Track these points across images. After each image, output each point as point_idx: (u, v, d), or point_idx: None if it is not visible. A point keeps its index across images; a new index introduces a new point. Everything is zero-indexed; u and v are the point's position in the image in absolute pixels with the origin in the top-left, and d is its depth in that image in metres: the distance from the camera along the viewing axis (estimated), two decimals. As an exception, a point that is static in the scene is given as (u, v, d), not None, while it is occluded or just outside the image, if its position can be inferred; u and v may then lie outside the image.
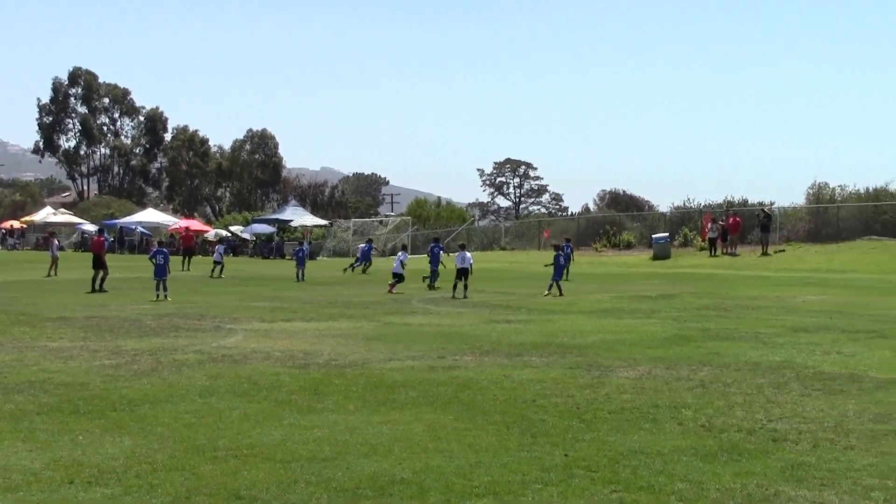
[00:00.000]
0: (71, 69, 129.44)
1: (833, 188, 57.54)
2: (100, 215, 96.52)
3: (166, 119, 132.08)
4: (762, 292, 31.61)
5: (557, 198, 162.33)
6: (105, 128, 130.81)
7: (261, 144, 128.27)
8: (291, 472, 8.85)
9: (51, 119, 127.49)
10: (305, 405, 12.06)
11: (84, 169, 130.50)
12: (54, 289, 34.22)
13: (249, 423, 10.96)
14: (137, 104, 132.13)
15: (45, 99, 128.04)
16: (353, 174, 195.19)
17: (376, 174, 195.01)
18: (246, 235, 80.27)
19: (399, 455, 9.48)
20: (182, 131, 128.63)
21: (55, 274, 42.27)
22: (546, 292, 31.21)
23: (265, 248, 75.60)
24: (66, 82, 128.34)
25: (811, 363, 15.67)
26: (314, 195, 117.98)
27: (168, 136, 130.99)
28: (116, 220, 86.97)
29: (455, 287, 31.02)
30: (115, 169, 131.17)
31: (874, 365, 15.47)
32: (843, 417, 11.27)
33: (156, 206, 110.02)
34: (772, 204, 58.45)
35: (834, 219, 54.26)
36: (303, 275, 41.17)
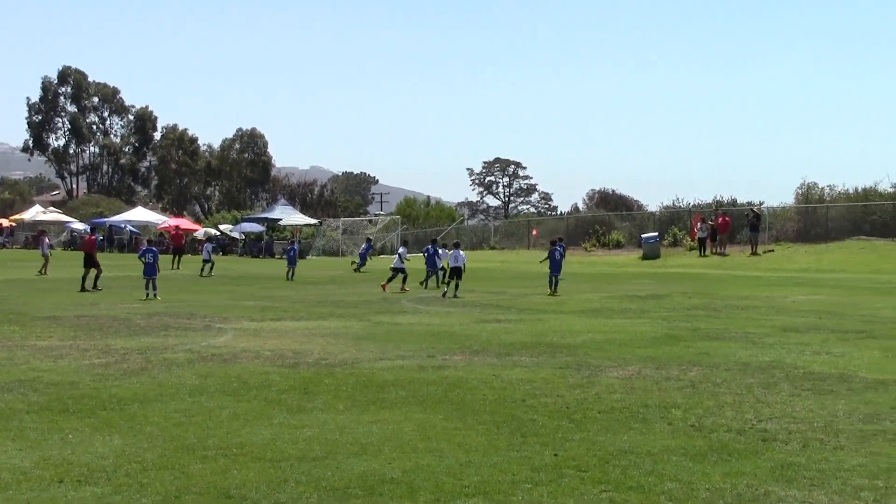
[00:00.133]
0: (60, 68, 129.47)
1: (822, 188, 57.67)
2: (89, 214, 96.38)
3: (156, 118, 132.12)
4: (752, 292, 31.67)
5: (547, 197, 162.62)
6: (94, 126, 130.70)
7: (250, 143, 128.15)
8: (281, 472, 8.84)
9: (40, 117, 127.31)
10: (295, 404, 12.04)
11: (73, 167, 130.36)
12: (44, 288, 34.14)
13: (239, 423, 10.94)
14: (127, 103, 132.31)
15: (35, 98, 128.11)
16: (343, 173, 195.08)
17: (366, 173, 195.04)
18: (235, 234, 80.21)
19: (389, 454, 9.47)
20: (171, 130, 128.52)
21: (46, 273, 42.24)
22: (549, 291, 31.29)
23: (254, 247, 75.57)
24: (56, 81, 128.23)
25: (801, 363, 15.69)
26: (303, 194, 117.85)
27: (157, 135, 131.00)
28: (106, 219, 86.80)
29: (447, 285, 31.19)
30: (105, 167, 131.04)
31: (864, 365, 15.51)
32: (832, 417, 11.29)
33: (145, 205, 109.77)
34: (761, 204, 58.53)
35: (823, 219, 54.38)
36: (293, 274, 41.15)
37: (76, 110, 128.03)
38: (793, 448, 9.81)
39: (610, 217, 69.33)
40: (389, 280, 33.99)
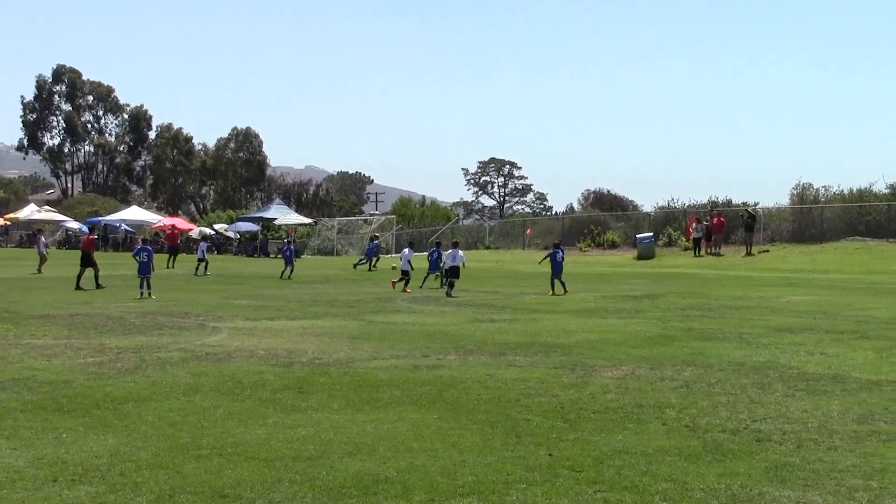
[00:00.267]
0: (55, 67, 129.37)
1: (817, 189, 57.85)
2: (84, 213, 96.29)
3: (150, 117, 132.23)
4: (746, 292, 31.70)
5: (542, 197, 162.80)
6: (89, 125, 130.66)
7: (245, 143, 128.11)
8: (276, 471, 8.83)
9: (35, 116, 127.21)
10: (289, 404, 12.04)
11: (68, 166, 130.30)
12: (39, 286, 34.11)
13: (233, 422, 10.93)
14: (122, 102, 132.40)
15: (29, 96, 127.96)
16: (338, 173, 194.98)
17: (361, 173, 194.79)
18: (230, 234, 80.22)
19: (383, 454, 9.47)
20: (166, 129, 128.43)
21: (40, 271, 42.23)
22: (552, 292, 31.36)
23: (249, 246, 75.60)
24: (50, 80, 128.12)
25: (795, 363, 15.70)
26: (299, 194, 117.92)
27: (152, 134, 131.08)
28: (100, 218, 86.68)
29: (451, 286, 31.33)
30: (100, 166, 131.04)
31: (858, 366, 15.52)
32: (826, 418, 11.30)
33: (140, 204, 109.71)
34: (756, 204, 58.68)
35: (818, 219, 54.49)
36: (290, 273, 41.30)
37: (71, 109, 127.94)
38: (787, 448, 9.81)
39: (605, 217, 69.39)
40: (405, 285, 33.96)
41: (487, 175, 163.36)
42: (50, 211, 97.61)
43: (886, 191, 54.75)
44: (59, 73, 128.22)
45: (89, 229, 41.07)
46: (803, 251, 50.53)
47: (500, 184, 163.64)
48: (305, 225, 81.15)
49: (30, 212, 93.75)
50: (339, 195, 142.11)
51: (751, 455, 9.53)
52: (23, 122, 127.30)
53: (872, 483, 8.55)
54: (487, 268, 50.50)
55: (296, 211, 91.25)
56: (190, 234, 78.66)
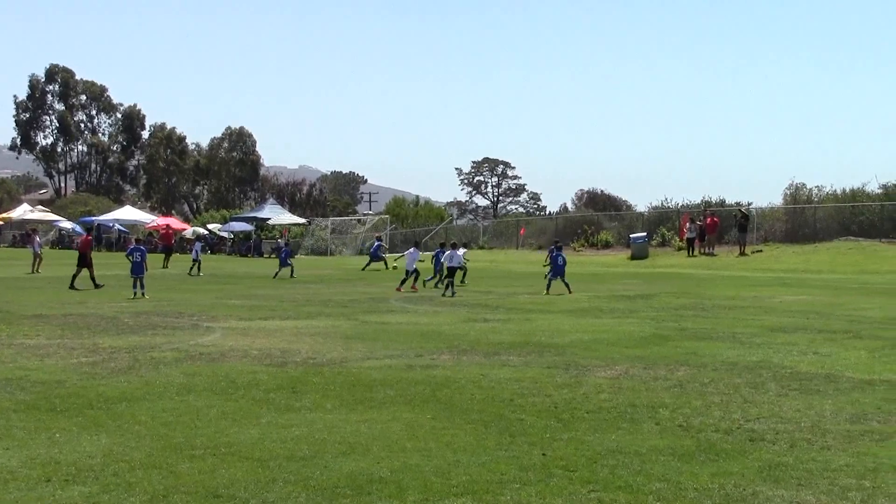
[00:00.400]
0: (48, 66, 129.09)
1: (810, 189, 57.83)
2: (77, 213, 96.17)
3: (144, 116, 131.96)
4: (739, 292, 31.73)
5: (535, 197, 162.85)
6: (82, 125, 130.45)
7: (239, 142, 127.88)
8: (269, 471, 8.83)
9: (28, 116, 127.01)
10: (283, 403, 12.03)
11: (61, 166, 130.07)
12: (32, 286, 34.06)
13: (227, 422, 10.92)
14: (115, 101, 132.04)
15: (22, 96, 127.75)
16: (332, 172, 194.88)
17: (354, 173, 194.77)
18: (224, 234, 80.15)
19: (377, 454, 9.47)
20: (160, 129, 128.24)
21: (39, 271, 42.22)
22: (548, 292, 31.39)
23: (243, 246, 75.53)
24: (43, 79, 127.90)
25: (788, 363, 15.72)
26: (292, 193, 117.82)
27: (146, 134, 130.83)
28: (94, 218, 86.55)
29: (447, 286, 31.39)
30: (93, 166, 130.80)
31: (850, 365, 15.54)
32: (819, 417, 11.32)
33: (133, 204, 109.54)
34: (749, 204, 58.72)
35: (811, 219, 54.54)
36: (290, 272, 41.70)
37: (64, 108, 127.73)
38: (780, 448, 9.83)
39: (599, 217, 69.38)
40: (413, 280, 34.05)
41: (481, 175, 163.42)
42: (43, 211, 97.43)
43: (879, 191, 54.81)
44: (53, 73, 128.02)
45: (87, 230, 41.08)
46: (796, 251, 50.58)
47: (494, 184, 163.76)
48: (299, 225, 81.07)
49: (23, 211, 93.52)
50: (333, 195, 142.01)
51: (744, 454, 9.54)
52: (16, 121, 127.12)
53: (865, 482, 8.56)
54: (481, 267, 50.46)
55: (289, 211, 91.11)
56: (184, 234, 78.60)
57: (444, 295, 30.42)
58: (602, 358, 16.28)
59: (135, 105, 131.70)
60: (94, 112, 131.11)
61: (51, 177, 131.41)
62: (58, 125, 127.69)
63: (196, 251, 45.21)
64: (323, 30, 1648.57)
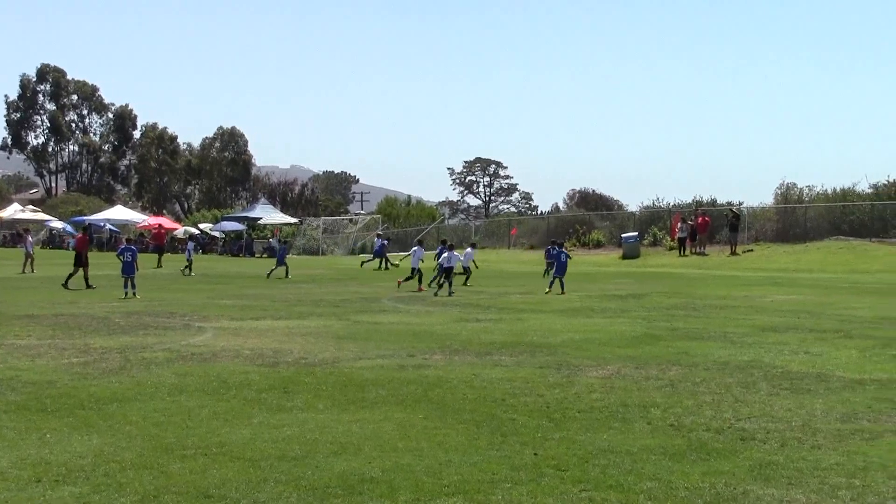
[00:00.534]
0: (39, 66, 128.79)
1: (801, 188, 58.09)
2: (68, 212, 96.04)
3: (135, 116, 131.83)
4: (731, 292, 31.79)
5: (527, 197, 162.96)
6: (73, 125, 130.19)
7: (230, 142, 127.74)
8: (261, 471, 8.82)
9: (19, 116, 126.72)
10: (275, 403, 12.02)
11: (52, 166, 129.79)
12: (23, 286, 33.99)
13: (218, 422, 10.91)
14: (106, 101, 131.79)
15: (13, 95, 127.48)
16: (324, 172, 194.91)
17: (346, 172, 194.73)
18: (215, 233, 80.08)
19: (369, 454, 9.47)
20: (151, 129, 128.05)
21: (31, 271, 42.14)
22: (550, 290, 31.46)
23: (235, 245, 75.47)
24: (34, 79, 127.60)
25: (779, 362, 15.76)
26: (284, 193, 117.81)
27: (137, 134, 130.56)
28: (85, 217, 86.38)
29: (440, 286, 31.47)
30: (84, 166, 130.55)
31: (841, 364, 15.58)
32: (810, 417, 11.34)
33: (125, 204, 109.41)
34: (740, 204, 58.84)
35: (802, 219, 54.67)
36: (286, 272, 41.71)
37: (55, 108, 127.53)
38: (771, 447, 9.85)
39: (590, 217, 69.49)
40: (418, 281, 34.05)
41: (473, 175, 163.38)
42: (34, 210, 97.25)
43: (869, 190, 55.05)
44: (44, 73, 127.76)
45: (83, 229, 41.03)
46: (787, 251, 50.71)
47: (486, 183, 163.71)
48: (291, 224, 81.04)
49: (13, 211, 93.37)
50: (325, 195, 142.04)
51: (735, 454, 9.56)
52: (6, 121, 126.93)
53: (855, 481, 8.59)
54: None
55: (281, 210, 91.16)
56: (175, 233, 78.52)
57: (436, 295, 30.43)
58: (594, 357, 16.30)
59: (126, 105, 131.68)
60: (85, 112, 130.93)
61: (42, 176, 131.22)
62: (49, 125, 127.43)
63: (189, 251, 45.22)
64: (315, 30, 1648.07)
